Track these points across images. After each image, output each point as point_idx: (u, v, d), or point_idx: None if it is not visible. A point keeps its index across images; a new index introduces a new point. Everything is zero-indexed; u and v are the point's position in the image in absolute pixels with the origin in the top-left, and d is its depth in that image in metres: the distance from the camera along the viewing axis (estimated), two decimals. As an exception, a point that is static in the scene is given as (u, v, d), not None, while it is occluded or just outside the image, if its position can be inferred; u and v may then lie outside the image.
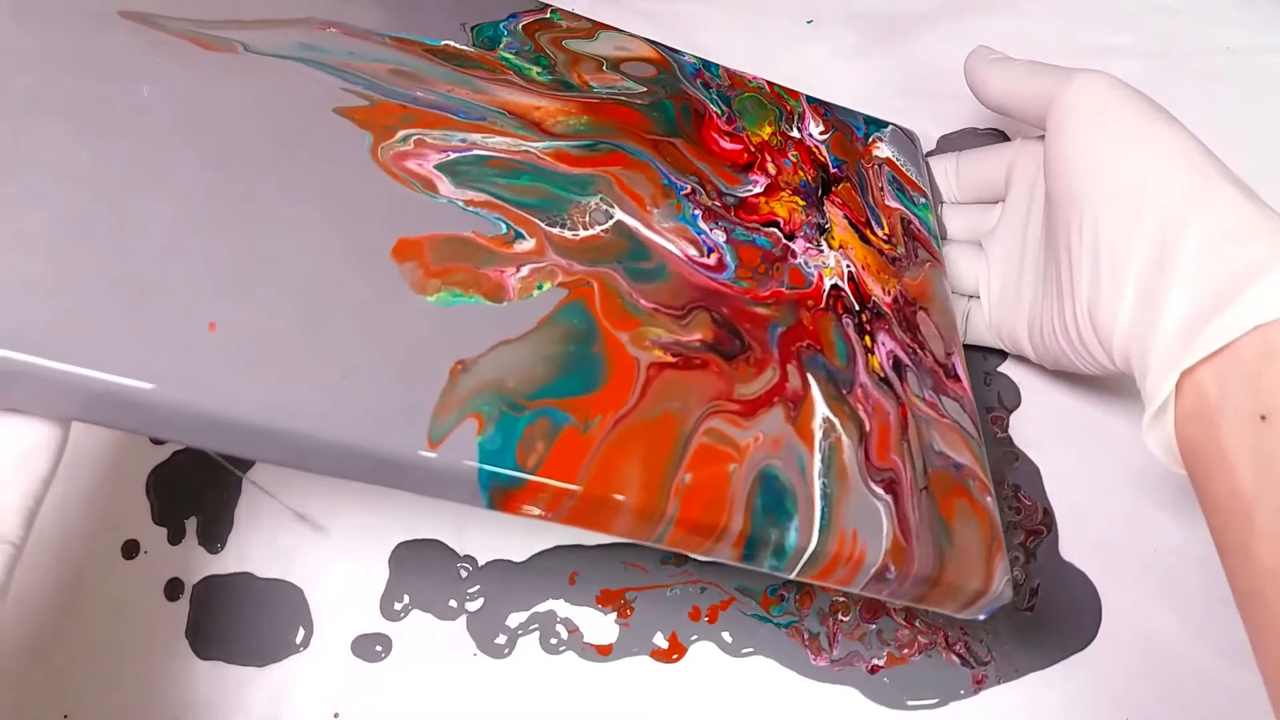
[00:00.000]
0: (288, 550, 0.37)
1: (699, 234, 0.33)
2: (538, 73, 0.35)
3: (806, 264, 0.35)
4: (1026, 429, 0.39)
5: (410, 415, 0.24)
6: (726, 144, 0.37)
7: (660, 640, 0.36)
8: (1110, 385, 0.40)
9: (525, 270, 0.29)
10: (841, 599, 0.36)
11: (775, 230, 0.35)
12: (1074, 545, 0.37)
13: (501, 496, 0.25)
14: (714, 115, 0.38)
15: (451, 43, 0.34)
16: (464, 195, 0.29)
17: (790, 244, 0.35)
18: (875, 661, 0.35)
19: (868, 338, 0.34)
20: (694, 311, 0.31)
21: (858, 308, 0.35)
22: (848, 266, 0.36)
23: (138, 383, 0.22)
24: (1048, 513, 0.37)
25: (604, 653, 0.35)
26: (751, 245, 0.34)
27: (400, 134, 0.30)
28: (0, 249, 0.22)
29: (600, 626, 0.36)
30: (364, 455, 0.24)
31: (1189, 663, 0.34)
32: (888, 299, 0.36)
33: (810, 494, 0.29)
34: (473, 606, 0.37)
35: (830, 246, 0.36)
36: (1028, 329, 0.36)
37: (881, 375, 0.33)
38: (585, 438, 0.26)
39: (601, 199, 0.32)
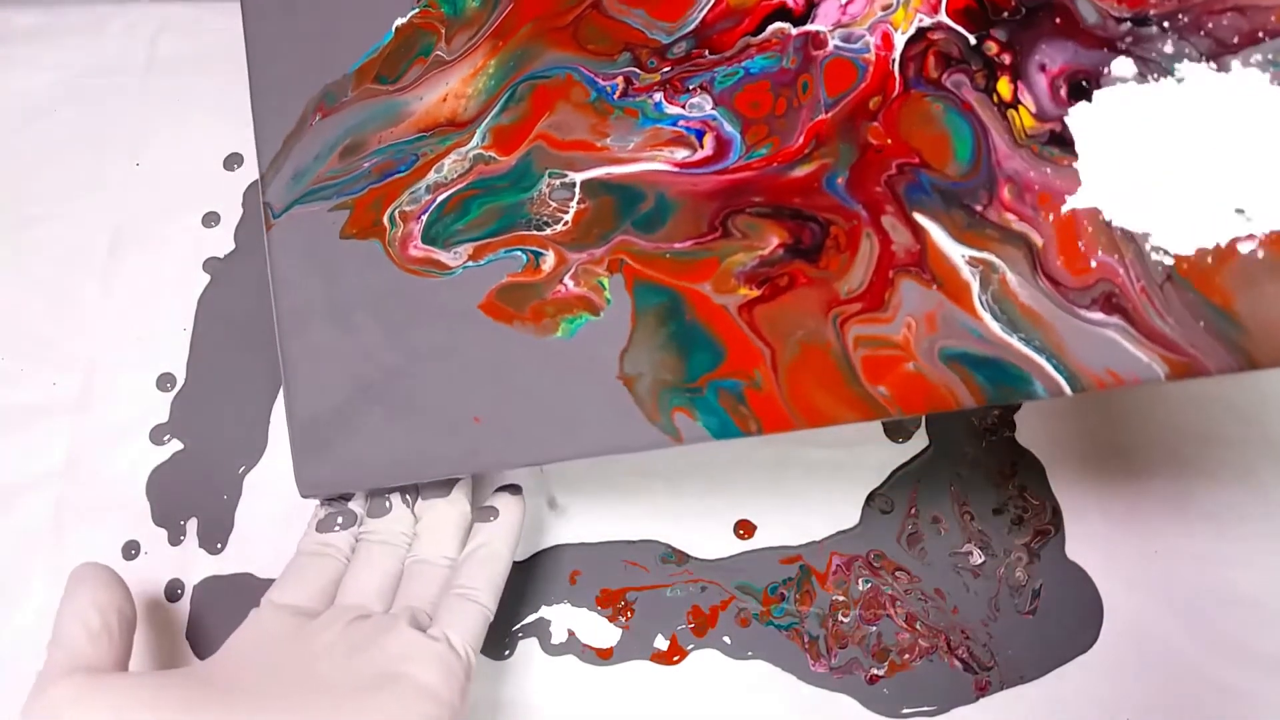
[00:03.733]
0: (288, 550, 0.37)
1: (673, 124, 0.28)
2: None
3: (849, 41, 0.25)
4: (1031, 426, 0.39)
5: (637, 423, 0.28)
6: None
7: (661, 643, 0.36)
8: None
9: (570, 281, 0.29)
10: (841, 599, 0.36)
11: (782, 25, 0.26)
12: (1078, 545, 0.36)
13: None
14: None
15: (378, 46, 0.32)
16: (462, 255, 0.31)
17: (811, 28, 0.26)
18: (875, 671, 0.35)
19: (1003, 81, 0.24)
20: (727, 222, 0.27)
21: (974, 39, 0.24)
22: None
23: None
24: (1056, 511, 0.37)
25: (604, 656, 0.35)
26: (751, 83, 0.27)
27: (384, 219, 0.31)
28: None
29: (601, 629, 0.36)
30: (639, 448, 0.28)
31: (1189, 663, 0.34)
32: None
33: (1022, 353, 0.24)
34: (473, 607, 0.36)
35: None
36: None
37: (1047, 133, 0.23)
38: (764, 393, 0.27)
39: (550, 174, 0.30)
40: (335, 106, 0.32)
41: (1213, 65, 0.22)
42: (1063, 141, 0.23)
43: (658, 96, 0.28)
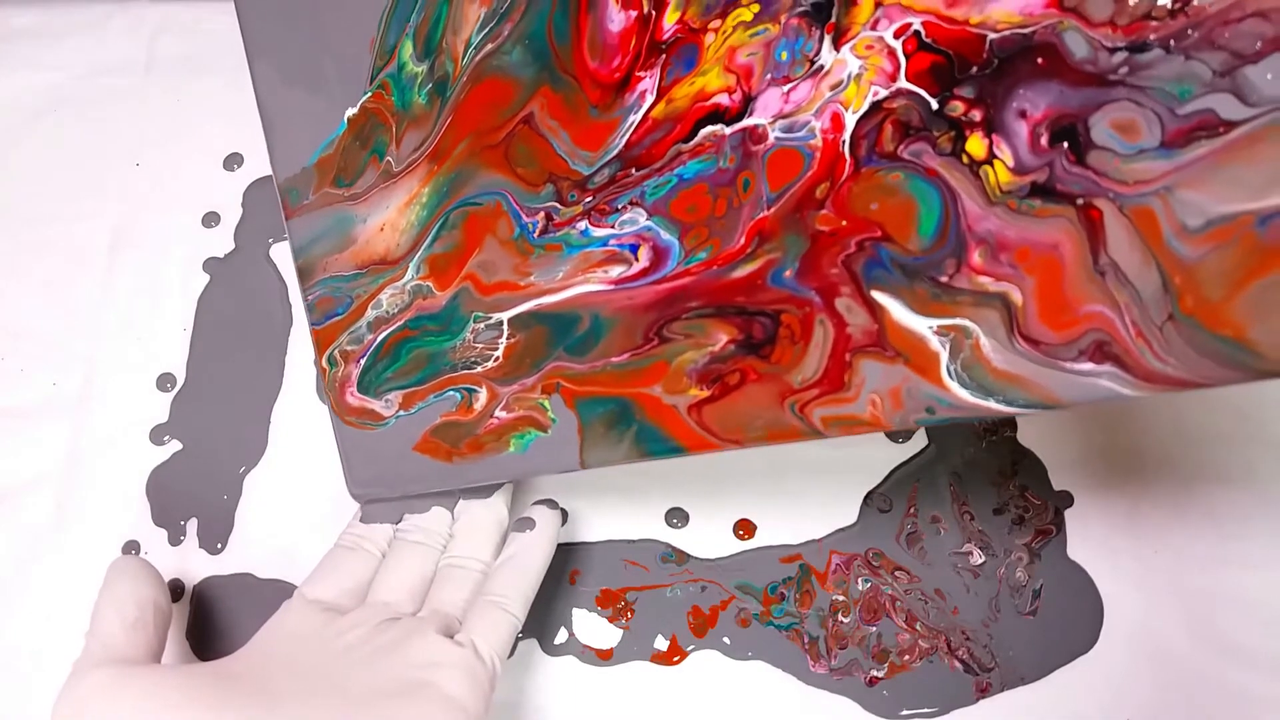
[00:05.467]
0: (288, 550, 0.37)
1: (604, 244, 0.27)
2: (420, 80, 0.29)
3: (791, 130, 0.23)
4: (1032, 425, 0.39)
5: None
6: (593, 61, 0.26)
7: (661, 643, 0.35)
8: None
9: (502, 413, 0.30)
10: (841, 599, 0.36)
11: (714, 128, 0.24)
12: (1079, 545, 0.36)
13: None
14: None
15: (328, 146, 0.31)
16: (394, 404, 0.32)
17: (748, 123, 0.24)
18: (875, 673, 0.35)
19: (974, 138, 0.22)
20: (663, 330, 0.26)
21: (935, 104, 0.22)
22: (895, 36, 0.22)
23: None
24: (1058, 511, 0.37)
25: (604, 657, 0.35)
26: (686, 189, 0.25)
27: (324, 362, 0.33)
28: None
29: (601, 630, 0.36)
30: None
31: (1190, 663, 0.34)
32: None
33: (1006, 411, 0.22)
34: (473, 607, 0.36)
35: (852, 20, 0.22)
36: None
37: (1028, 186, 0.21)
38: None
39: (475, 317, 0.29)
40: (298, 208, 0.32)
41: (1224, 80, 0.20)
42: (1046, 191, 0.21)
43: (582, 225, 0.27)
